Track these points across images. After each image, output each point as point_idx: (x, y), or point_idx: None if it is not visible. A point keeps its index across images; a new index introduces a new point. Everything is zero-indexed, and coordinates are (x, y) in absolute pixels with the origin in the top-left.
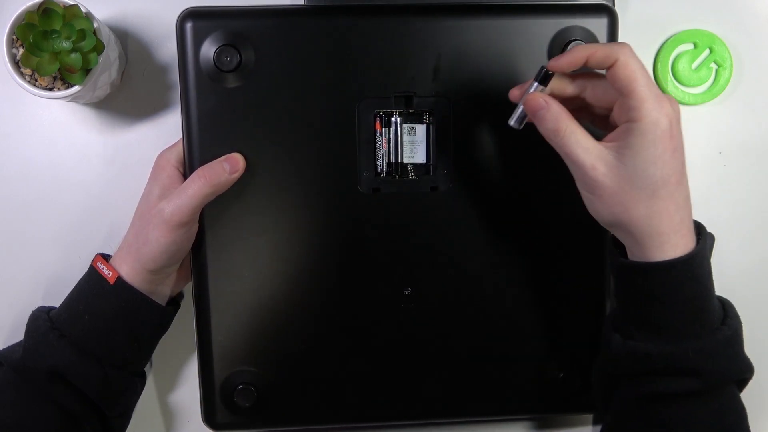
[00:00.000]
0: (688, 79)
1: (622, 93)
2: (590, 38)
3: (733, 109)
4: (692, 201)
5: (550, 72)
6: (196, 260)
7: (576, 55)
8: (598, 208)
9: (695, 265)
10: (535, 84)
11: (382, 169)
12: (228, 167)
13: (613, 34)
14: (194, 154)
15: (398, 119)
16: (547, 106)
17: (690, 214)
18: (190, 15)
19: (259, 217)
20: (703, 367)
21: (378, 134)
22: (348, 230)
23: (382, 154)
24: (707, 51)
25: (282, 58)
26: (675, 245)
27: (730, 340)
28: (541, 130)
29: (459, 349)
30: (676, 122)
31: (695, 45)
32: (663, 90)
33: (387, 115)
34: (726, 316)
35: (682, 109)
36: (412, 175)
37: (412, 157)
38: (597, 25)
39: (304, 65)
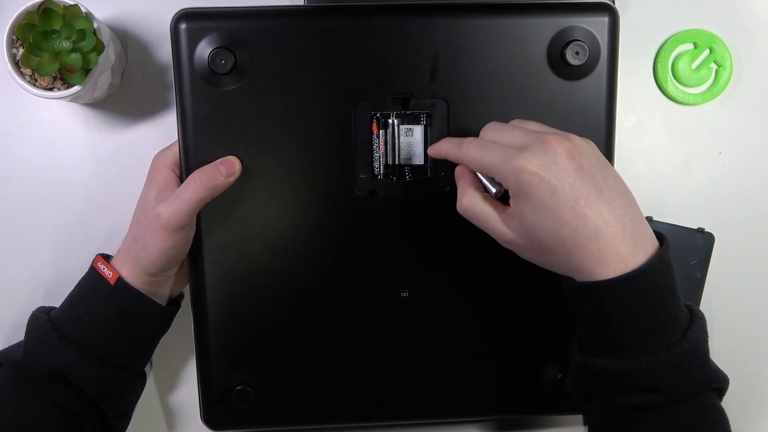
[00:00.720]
0: (688, 79)
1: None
2: (590, 38)
3: (733, 109)
4: (692, 201)
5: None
6: (193, 263)
7: (435, 151)
8: (531, 260)
9: (642, 281)
10: None
11: (379, 172)
12: (224, 170)
13: (614, 34)
14: (190, 157)
15: (395, 121)
16: (461, 176)
17: (624, 229)
18: (184, 16)
19: (255, 220)
20: (661, 381)
21: (375, 136)
22: (345, 232)
23: (379, 156)
24: (707, 51)
25: (278, 60)
26: (613, 264)
27: (689, 352)
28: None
29: (457, 350)
30: (541, 167)
31: (695, 45)
32: (663, 90)
33: (384, 116)
34: (688, 328)
35: (683, 109)
36: (409, 177)
37: (410, 159)
38: (598, 25)
39: (300, 67)
